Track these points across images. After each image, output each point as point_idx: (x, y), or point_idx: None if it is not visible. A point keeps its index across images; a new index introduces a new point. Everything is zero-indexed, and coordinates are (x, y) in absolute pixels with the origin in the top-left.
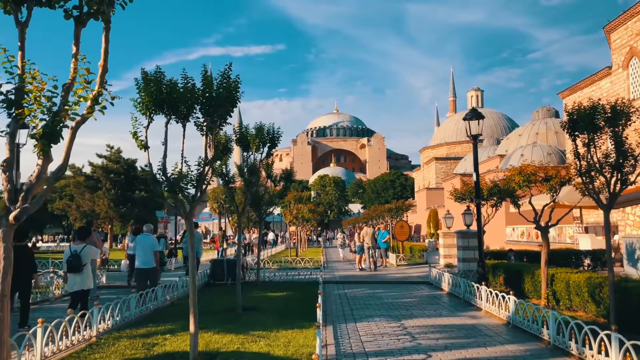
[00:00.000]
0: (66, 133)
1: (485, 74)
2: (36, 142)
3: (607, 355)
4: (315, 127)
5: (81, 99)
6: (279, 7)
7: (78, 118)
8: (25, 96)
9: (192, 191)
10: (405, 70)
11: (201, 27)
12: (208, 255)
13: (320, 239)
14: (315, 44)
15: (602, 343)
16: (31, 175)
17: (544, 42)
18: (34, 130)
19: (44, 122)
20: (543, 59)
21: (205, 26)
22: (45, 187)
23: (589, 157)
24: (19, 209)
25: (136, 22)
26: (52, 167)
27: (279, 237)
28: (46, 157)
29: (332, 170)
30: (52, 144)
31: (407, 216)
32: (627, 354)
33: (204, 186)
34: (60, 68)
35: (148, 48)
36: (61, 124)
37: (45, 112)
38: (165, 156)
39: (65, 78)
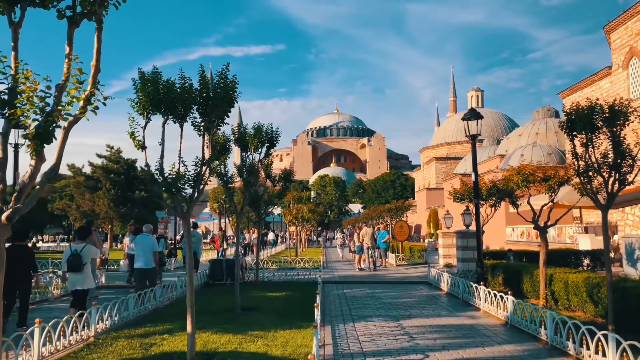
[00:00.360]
0: (59, 133)
1: (485, 74)
2: (29, 143)
3: (604, 355)
4: (316, 127)
5: (74, 100)
6: (279, 7)
7: (70, 118)
8: (18, 96)
9: (189, 191)
10: (405, 70)
11: (201, 27)
12: (208, 256)
13: (320, 239)
14: (315, 44)
15: (600, 343)
16: (24, 176)
17: (544, 42)
18: (27, 131)
19: (36, 123)
20: (543, 59)
21: (205, 26)
22: (37, 187)
23: (587, 157)
24: (11, 209)
25: (136, 23)
26: (45, 167)
27: (279, 237)
28: (39, 157)
29: (333, 170)
30: (44, 144)
31: (407, 216)
32: (624, 354)
33: (201, 186)
34: (53, 68)
35: (148, 48)
36: (54, 124)
37: (38, 113)
38: (162, 156)
39: (59, 78)
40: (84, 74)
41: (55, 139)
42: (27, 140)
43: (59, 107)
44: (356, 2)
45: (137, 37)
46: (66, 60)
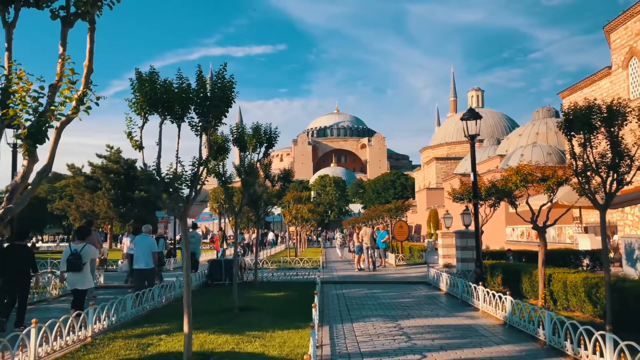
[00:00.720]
0: (51, 133)
1: (485, 74)
2: (22, 143)
3: (601, 355)
4: (316, 127)
5: (67, 100)
6: (279, 7)
7: (63, 118)
8: (11, 96)
9: (186, 191)
10: (406, 70)
11: (202, 27)
12: (207, 256)
13: (320, 239)
14: (316, 44)
15: (597, 343)
16: (16, 176)
17: (544, 42)
18: (19, 131)
19: (29, 123)
20: (544, 59)
21: (206, 26)
22: (30, 187)
23: (585, 157)
24: (3, 209)
25: (137, 23)
26: (37, 167)
27: (278, 237)
28: (32, 157)
29: (333, 170)
30: (37, 145)
31: (407, 216)
32: (622, 354)
33: (198, 186)
34: (46, 68)
35: (149, 48)
36: (47, 124)
37: (31, 113)
38: (159, 156)
39: (51, 78)
40: (76, 74)
41: (48, 139)
42: (19, 140)
43: (52, 107)
44: (356, 2)
45: (138, 37)
46: (60, 60)
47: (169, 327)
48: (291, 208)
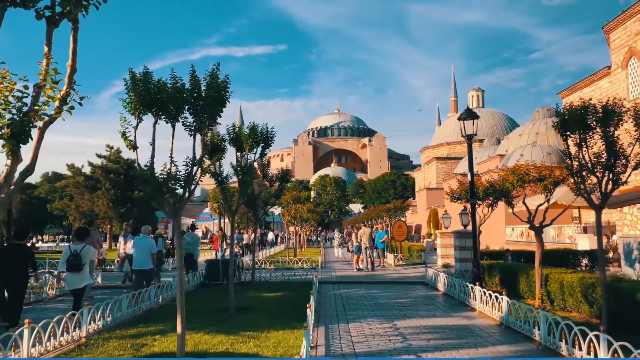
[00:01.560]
0: (34, 133)
1: (486, 73)
2: (4, 143)
3: (596, 355)
4: (317, 127)
5: (50, 99)
6: (280, 7)
7: (46, 118)
8: None
9: (180, 191)
10: (407, 70)
11: (202, 27)
12: (206, 256)
13: (320, 239)
14: (317, 44)
15: (592, 344)
16: None
17: (545, 42)
18: (2, 131)
19: (11, 122)
20: (544, 59)
21: (207, 27)
22: (13, 187)
23: (581, 156)
24: None
25: (138, 23)
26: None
27: (278, 237)
28: (15, 157)
29: (333, 170)
30: (21, 144)
31: (407, 216)
32: (616, 354)
33: (192, 186)
34: (34, 68)
35: (150, 48)
36: (30, 124)
37: (15, 113)
38: (153, 156)
39: (36, 78)
40: (59, 73)
41: (31, 139)
42: (2, 140)
43: (36, 107)
44: (357, 2)
45: (138, 37)
46: (45, 59)
47: (164, 327)
48: (290, 208)
